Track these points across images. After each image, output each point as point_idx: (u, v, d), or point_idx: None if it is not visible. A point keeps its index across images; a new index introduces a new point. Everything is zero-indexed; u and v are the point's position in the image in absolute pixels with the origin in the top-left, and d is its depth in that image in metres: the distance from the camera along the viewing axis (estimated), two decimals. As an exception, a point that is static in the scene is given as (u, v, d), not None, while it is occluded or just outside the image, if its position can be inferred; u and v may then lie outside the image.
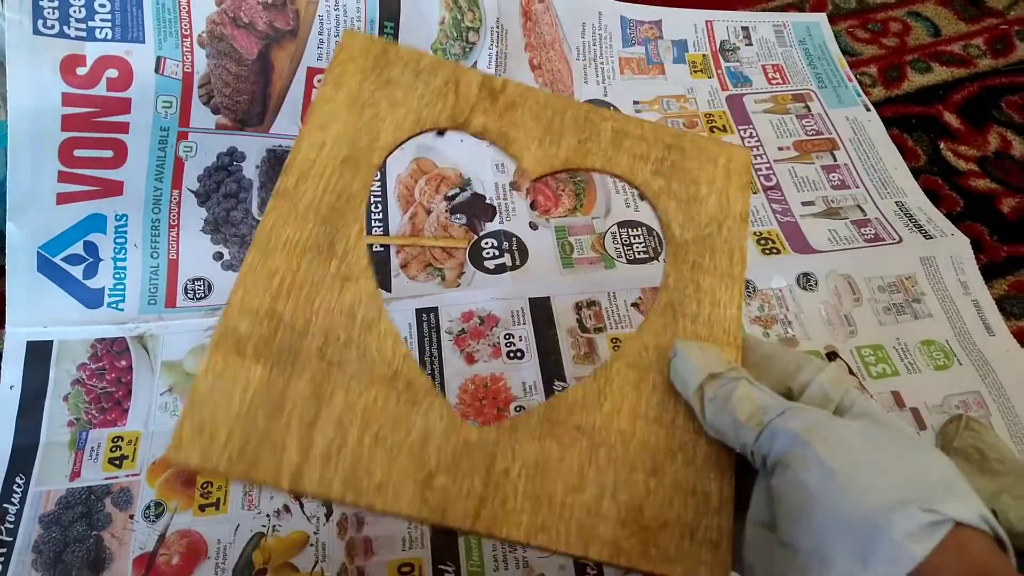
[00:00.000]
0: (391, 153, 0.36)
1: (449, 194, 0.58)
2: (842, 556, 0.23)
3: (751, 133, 0.65)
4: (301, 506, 0.43)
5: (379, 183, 0.58)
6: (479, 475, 0.27)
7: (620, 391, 0.32)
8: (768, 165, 0.62)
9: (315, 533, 0.42)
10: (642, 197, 0.39)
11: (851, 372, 0.49)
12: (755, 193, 0.60)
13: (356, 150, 0.35)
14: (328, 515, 0.43)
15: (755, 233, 0.58)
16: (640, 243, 0.56)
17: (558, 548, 0.28)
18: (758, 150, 0.63)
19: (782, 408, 0.27)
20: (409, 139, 0.37)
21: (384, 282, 0.53)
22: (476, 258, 0.55)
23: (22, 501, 0.42)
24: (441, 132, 0.40)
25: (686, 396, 0.30)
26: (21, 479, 0.43)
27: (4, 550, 0.41)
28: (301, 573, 0.41)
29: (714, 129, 0.65)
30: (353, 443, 0.27)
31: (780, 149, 0.64)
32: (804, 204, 0.60)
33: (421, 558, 0.41)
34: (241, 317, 0.28)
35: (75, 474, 0.43)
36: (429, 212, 0.57)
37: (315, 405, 0.27)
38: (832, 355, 0.50)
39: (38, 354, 0.47)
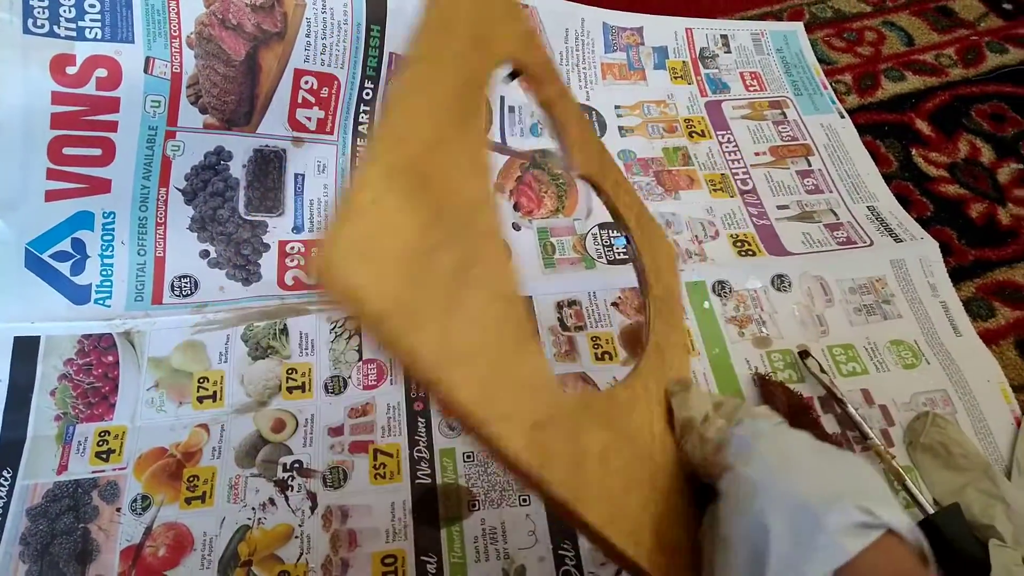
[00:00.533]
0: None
1: (434, 195, 0.59)
2: (778, 543, 0.24)
3: (729, 138, 0.66)
4: (286, 499, 0.44)
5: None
6: (570, 443, 0.25)
7: (647, 408, 0.33)
8: (745, 170, 0.64)
9: (300, 526, 0.43)
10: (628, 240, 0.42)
11: (822, 370, 0.50)
12: (732, 197, 0.62)
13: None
14: (313, 508, 0.44)
15: (731, 235, 0.59)
16: (620, 244, 0.58)
17: (618, 544, 0.27)
18: (735, 155, 0.65)
19: (737, 420, 0.31)
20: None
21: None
22: (460, 258, 0.56)
23: (9, 494, 0.43)
24: (513, 75, 0.34)
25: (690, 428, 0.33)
26: (8, 473, 0.43)
27: (-9, 542, 0.41)
28: (286, 565, 0.42)
29: (693, 134, 0.66)
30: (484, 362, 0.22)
31: (757, 154, 0.65)
32: (779, 208, 0.61)
33: (404, 550, 0.42)
34: (410, 133, 0.21)
35: (62, 468, 0.44)
36: (414, 212, 0.58)
37: (455, 290, 0.21)
38: (804, 353, 0.51)
39: (25, 349, 0.47)
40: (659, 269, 0.42)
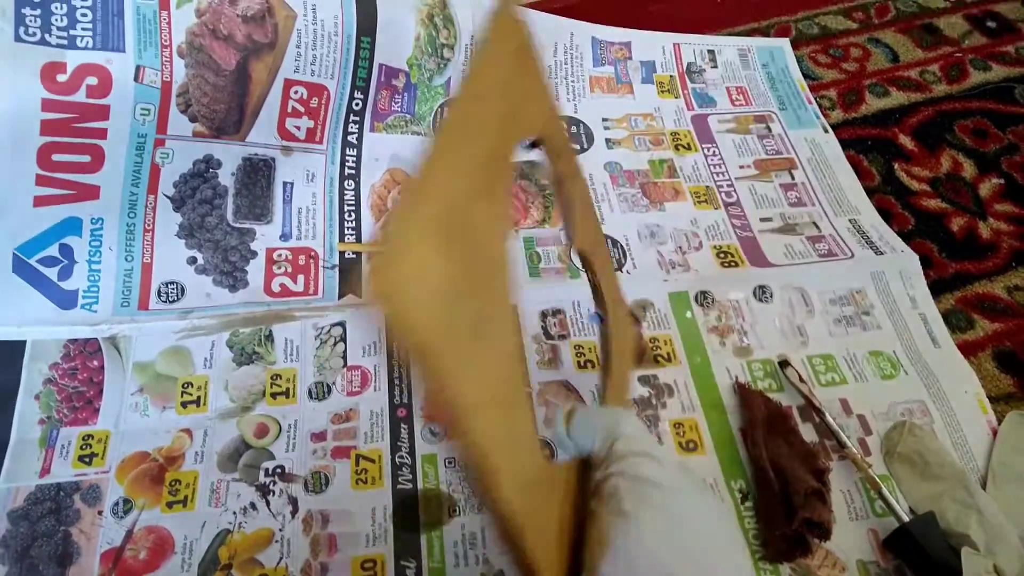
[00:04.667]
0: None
1: (421, 204, 0.59)
2: None
3: (714, 151, 0.67)
4: (268, 504, 0.44)
5: (353, 192, 0.59)
6: (545, 506, 0.27)
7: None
8: (730, 183, 0.65)
9: (280, 530, 0.43)
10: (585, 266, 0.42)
11: (801, 380, 0.51)
12: (716, 209, 0.63)
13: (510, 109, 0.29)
14: (294, 512, 0.44)
15: (715, 247, 0.60)
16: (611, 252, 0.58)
17: None
18: (720, 167, 0.66)
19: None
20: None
21: (355, 288, 0.54)
22: (446, 266, 0.56)
23: (-9, 497, 0.43)
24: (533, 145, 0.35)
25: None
26: (-10, 475, 0.44)
27: (-28, 544, 0.41)
28: (266, 569, 0.42)
29: (679, 147, 0.67)
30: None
31: (741, 167, 0.66)
32: (762, 220, 0.62)
33: (384, 554, 0.43)
34: (445, 189, 0.22)
35: (45, 471, 0.44)
36: (401, 221, 0.58)
37: (472, 341, 0.22)
38: (784, 363, 0.52)
39: (11, 353, 0.47)
40: (622, 353, 0.43)
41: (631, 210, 0.62)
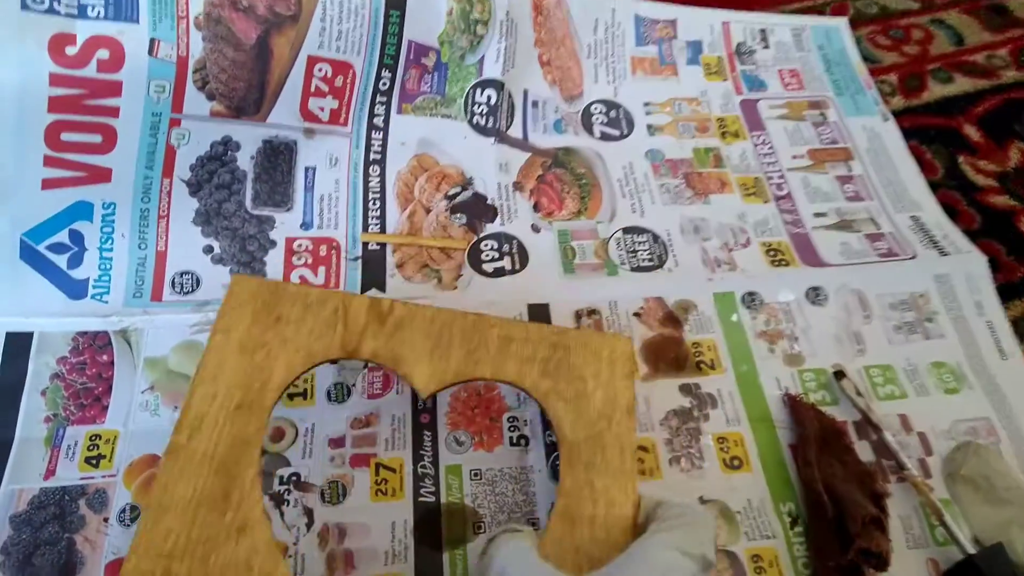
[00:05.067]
0: (285, 391, 0.38)
1: (450, 193, 0.56)
2: None
3: (764, 140, 0.63)
4: (281, 515, 0.41)
5: (378, 179, 0.56)
6: None
7: None
8: (780, 174, 0.60)
9: (295, 544, 0.41)
10: (532, 397, 0.40)
11: (858, 392, 0.47)
12: (766, 202, 0.58)
13: (249, 395, 0.36)
14: (309, 525, 0.41)
15: (764, 244, 0.56)
16: (645, 250, 0.54)
17: None
18: (771, 157, 0.61)
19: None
20: (301, 375, 0.39)
21: (378, 281, 0.51)
22: (475, 260, 0.53)
23: (-7, 500, 0.41)
24: (334, 362, 0.42)
25: None
26: (-7, 476, 0.41)
27: (-28, 550, 0.39)
28: (279, 586, 0.39)
29: (726, 134, 0.63)
30: None
31: (794, 157, 0.62)
32: (816, 215, 0.58)
33: (403, 573, 0.40)
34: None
35: (50, 472, 0.42)
36: (428, 211, 0.55)
37: None
38: (839, 374, 0.48)
39: (17, 345, 0.45)
40: (582, 397, 0.40)
41: (673, 202, 0.58)
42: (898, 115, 0.65)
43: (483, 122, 0.59)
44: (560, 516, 0.36)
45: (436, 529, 0.41)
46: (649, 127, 0.62)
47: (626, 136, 0.62)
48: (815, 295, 0.53)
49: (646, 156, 0.60)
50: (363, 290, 0.50)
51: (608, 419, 0.39)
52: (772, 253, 0.55)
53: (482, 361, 0.40)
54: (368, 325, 0.40)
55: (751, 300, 0.52)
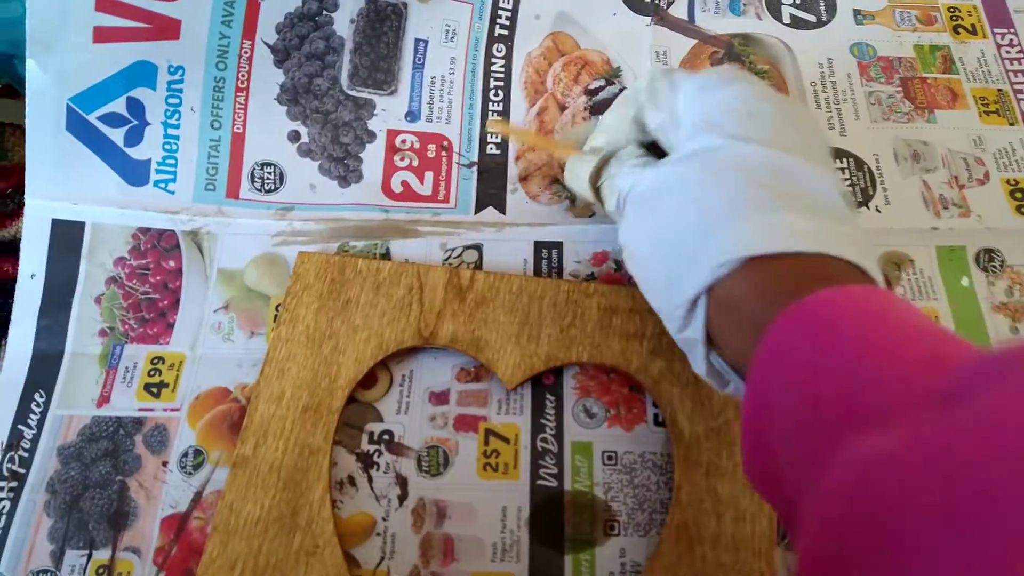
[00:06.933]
0: (353, 390, 0.34)
1: (592, 86, 0.44)
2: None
3: (1012, 40, 0.47)
4: (370, 481, 0.34)
5: (503, 61, 0.44)
6: None
7: None
8: (1033, 88, 0.45)
9: (384, 519, 0.33)
10: (637, 383, 0.34)
11: None
12: (1012, 125, 0.44)
13: (316, 396, 0.33)
14: (402, 498, 0.33)
15: (1008, 181, 0.42)
16: (843, 179, 0.41)
17: None
18: (1020, 64, 0.46)
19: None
20: (371, 369, 0.34)
21: (497, 199, 0.40)
22: (620, 177, 0.41)
23: (40, 425, 0.34)
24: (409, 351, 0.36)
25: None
26: (41, 397, 0.35)
27: (15, 484, 0.33)
28: (362, 570, 0.32)
29: (960, 29, 0.47)
30: None
31: (1052, 66, 0.46)
32: (1083, 149, 0.43)
33: (514, 574, 0.32)
34: None
35: (104, 399, 0.35)
36: (563, 108, 0.43)
37: None
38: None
39: (66, 238, 0.37)
40: (703, 381, 0.30)
41: (885, 118, 0.44)
42: None
43: (639, -7, 0.46)
44: (674, 535, 0.30)
45: (558, 523, 0.33)
46: (856, 13, 0.47)
47: (825, 23, 0.47)
48: (1074, 260, 0.39)
49: (852, 51, 0.46)
50: (477, 209, 0.40)
51: (737, 407, 0.31)
52: (1019, 195, 0.41)
53: (577, 340, 0.34)
54: (447, 304, 0.35)
55: (989, 260, 0.39)
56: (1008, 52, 0.46)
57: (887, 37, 0.47)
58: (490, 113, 0.43)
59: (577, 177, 0.33)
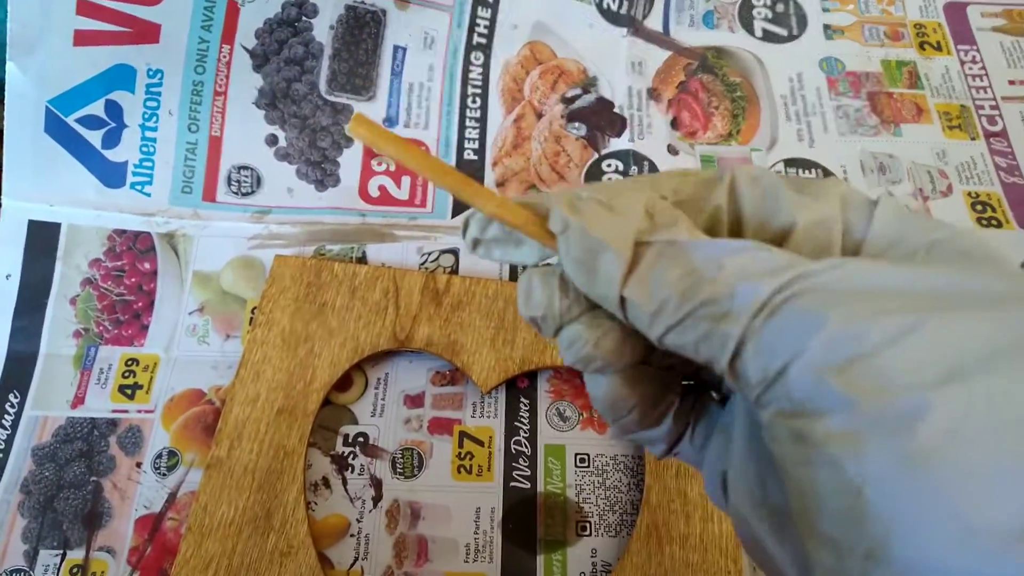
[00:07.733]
0: (328, 393, 0.34)
1: (568, 95, 0.45)
2: None
3: (974, 57, 0.48)
4: (344, 483, 0.34)
5: (480, 68, 0.45)
6: None
7: None
8: (993, 103, 0.46)
9: (358, 520, 0.33)
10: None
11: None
12: (973, 139, 0.45)
13: (292, 397, 0.33)
14: (376, 500, 0.34)
15: (970, 194, 0.43)
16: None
17: None
18: (981, 80, 0.47)
19: (794, 273, 0.12)
20: (347, 372, 0.34)
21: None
22: (595, 182, 0.42)
23: (14, 426, 0.34)
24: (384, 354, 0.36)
25: (601, 298, 0.14)
26: (15, 397, 0.35)
27: (-13, 484, 0.33)
28: (336, 571, 0.32)
29: (925, 46, 0.48)
30: None
31: (1012, 83, 0.47)
32: (1040, 164, 0.44)
33: (487, 574, 0.32)
34: None
35: (78, 400, 0.35)
36: (540, 116, 0.44)
37: None
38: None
39: (42, 239, 0.37)
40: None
41: (853, 131, 0.45)
42: None
43: (615, 7, 0.47)
44: (644, 535, 0.31)
45: (531, 524, 0.33)
46: (826, 28, 0.49)
47: (796, 37, 0.48)
48: (1030, 271, 0.40)
49: (821, 66, 0.47)
50: (454, 213, 0.41)
51: None
52: (980, 207, 0.43)
53: (552, 344, 0.34)
54: (423, 308, 0.35)
55: (949, 271, 0.40)
56: (971, 68, 0.48)
57: (856, 52, 0.48)
58: (468, 119, 0.43)
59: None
